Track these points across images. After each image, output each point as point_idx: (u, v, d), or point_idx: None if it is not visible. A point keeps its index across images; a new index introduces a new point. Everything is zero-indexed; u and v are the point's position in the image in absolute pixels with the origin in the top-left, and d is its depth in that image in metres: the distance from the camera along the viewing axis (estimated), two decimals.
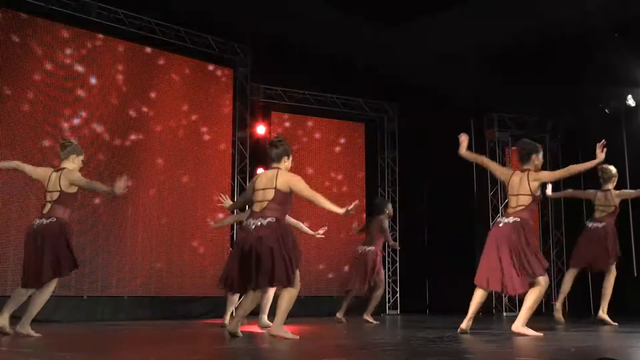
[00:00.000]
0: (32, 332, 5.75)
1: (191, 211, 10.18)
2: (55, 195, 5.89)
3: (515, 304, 12.11)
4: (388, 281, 12.14)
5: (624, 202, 8.71)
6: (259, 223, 5.24)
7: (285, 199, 5.34)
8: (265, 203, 5.30)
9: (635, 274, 10.35)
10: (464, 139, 6.23)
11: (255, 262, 5.17)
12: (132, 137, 9.71)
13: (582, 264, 7.70)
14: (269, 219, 5.24)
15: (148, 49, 10.05)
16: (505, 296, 12.02)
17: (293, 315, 7.81)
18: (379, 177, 12.67)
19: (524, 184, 5.89)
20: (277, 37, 10.95)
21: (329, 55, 11.40)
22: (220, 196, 6.83)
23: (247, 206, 6.42)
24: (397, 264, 12.28)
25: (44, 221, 5.85)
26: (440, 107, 12.14)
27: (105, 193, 6.56)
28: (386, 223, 8.98)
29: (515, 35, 10.42)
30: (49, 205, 5.91)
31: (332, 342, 5.59)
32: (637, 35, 9.65)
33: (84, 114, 9.23)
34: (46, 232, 5.80)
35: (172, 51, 10.28)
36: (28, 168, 6.19)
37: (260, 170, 11.29)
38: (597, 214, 7.66)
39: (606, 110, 11.13)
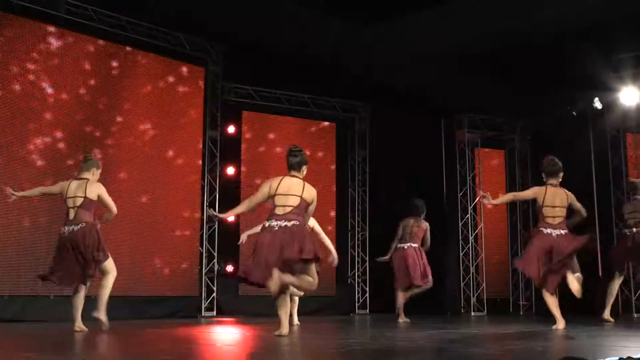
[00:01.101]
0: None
1: (163, 210, 10.09)
2: (79, 201, 6.43)
3: (484, 304, 12.24)
4: (358, 280, 12.17)
5: (590, 205, 8.94)
6: (284, 224, 5.58)
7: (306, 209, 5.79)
8: (289, 208, 5.66)
9: (600, 274, 10.52)
10: (484, 196, 6.84)
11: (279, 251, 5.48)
12: (108, 140, 9.61)
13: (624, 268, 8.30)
14: (293, 222, 5.59)
15: (118, 48, 9.89)
16: (474, 297, 12.16)
17: (264, 315, 7.84)
18: (350, 177, 12.66)
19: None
20: (249, 36, 10.88)
21: (301, 55, 11.37)
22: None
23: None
24: (367, 263, 12.25)
25: (74, 227, 6.39)
26: (412, 107, 12.18)
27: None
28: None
29: (488, 37, 10.50)
30: (72, 212, 6.44)
31: (305, 342, 5.60)
32: (603, 39, 9.79)
33: (49, 118, 9.06)
34: (78, 236, 6.34)
35: (146, 49, 10.16)
36: (51, 189, 6.85)
37: (231, 170, 11.32)
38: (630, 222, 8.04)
39: (574, 113, 11.33)
